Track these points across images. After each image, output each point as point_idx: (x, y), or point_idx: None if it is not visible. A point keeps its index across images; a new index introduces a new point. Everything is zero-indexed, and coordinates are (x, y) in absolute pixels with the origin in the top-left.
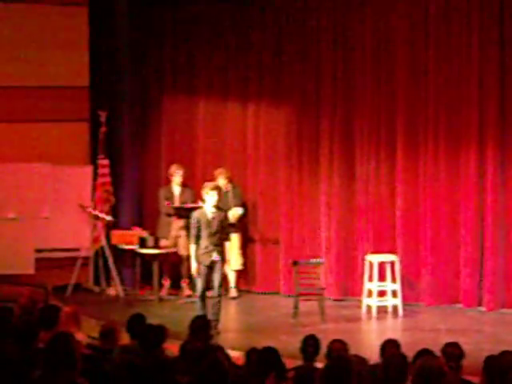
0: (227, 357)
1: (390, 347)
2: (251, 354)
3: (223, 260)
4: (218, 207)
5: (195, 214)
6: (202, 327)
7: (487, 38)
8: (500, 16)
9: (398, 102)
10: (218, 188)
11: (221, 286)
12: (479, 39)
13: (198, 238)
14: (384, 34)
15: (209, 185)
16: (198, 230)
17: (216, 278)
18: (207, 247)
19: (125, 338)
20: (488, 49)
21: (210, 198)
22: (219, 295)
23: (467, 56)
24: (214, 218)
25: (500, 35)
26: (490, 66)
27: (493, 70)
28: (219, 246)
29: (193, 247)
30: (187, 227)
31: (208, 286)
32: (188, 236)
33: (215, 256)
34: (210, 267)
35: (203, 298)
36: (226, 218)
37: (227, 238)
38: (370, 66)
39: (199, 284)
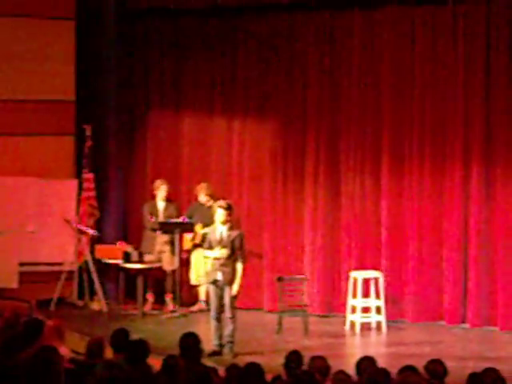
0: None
1: (365, 364)
2: (232, 370)
3: (231, 282)
4: (231, 227)
5: (207, 231)
6: (193, 345)
7: (473, 58)
8: (486, 37)
9: (383, 118)
10: (224, 207)
11: (233, 307)
12: (465, 58)
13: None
14: (370, 52)
15: (217, 202)
16: (210, 245)
17: (226, 300)
18: (213, 265)
19: (108, 353)
20: (473, 68)
21: (216, 215)
22: (231, 317)
23: (453, 73)
24: (222, 237)
25: (486, 55)
26: (475, 84)
27: (478, 88)
28: (226, 267)
29: (207, 252)
30: (171, 242)
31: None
32: (172, 251)
33: (219, 276)
34: (215, 286)
35: (216, 318)
36: (239, 238)
37: (239, 260)
38: (355, 83)
39: (213, 304)
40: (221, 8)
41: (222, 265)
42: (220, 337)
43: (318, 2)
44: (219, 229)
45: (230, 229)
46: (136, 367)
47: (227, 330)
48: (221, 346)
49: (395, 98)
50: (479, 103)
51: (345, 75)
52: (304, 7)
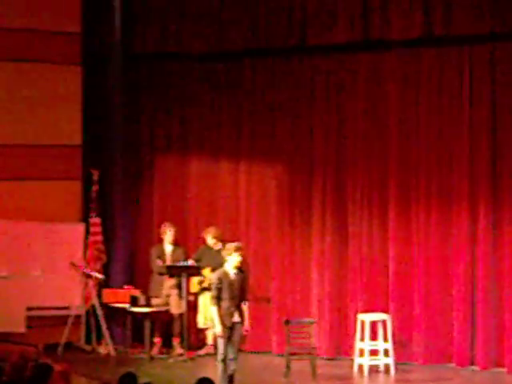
0: None
1: None
2: None
3: (242, 322)
4: (239, 268)
5: (217, 275)
6: None
7: (478, 100)
8: (492, 77)
9: (389, 163)
10: (241, 249)
11: (238, 349)
12: (470, 100)
13: (218, 299)
14: (376, 96)
15: (233, 246)
16: (219, 291)
17: (235, 340)
18: (229, 308)
19: None
20: (479, 110)
21: (232, 259)
22: (234, 358)
23: (458, 117)
24: (235, 280)
25: (492, 97)
26: (481, 127)
27: (484, 132)
28: (238, 308)
29: (214, 309)
30: (179, 286)
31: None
32: (179, 295)
33: (236, 317)
34: (231, 328)
35: (224, 360)
36: (246, 279)
37: (245, 300)
38: (362, 126)
39: (221, 346)
40: (226, 52)
41: (237, 306)
42: (227, 379)
43: (324, 46)
44: (231, 271)
45: (240, 270)
46: None
47: (229, 370)
48: None
49: (401, 142)
50: (485, 147)
51: (351, 121)
52: (310, 51)
